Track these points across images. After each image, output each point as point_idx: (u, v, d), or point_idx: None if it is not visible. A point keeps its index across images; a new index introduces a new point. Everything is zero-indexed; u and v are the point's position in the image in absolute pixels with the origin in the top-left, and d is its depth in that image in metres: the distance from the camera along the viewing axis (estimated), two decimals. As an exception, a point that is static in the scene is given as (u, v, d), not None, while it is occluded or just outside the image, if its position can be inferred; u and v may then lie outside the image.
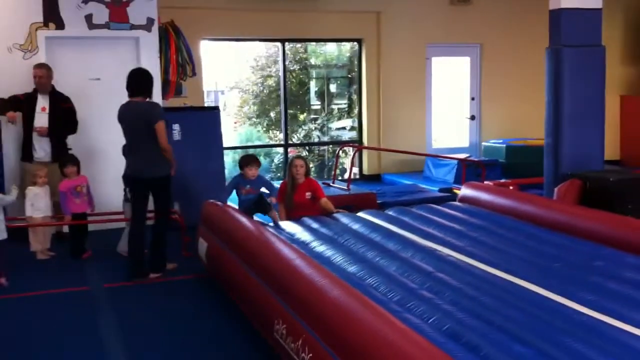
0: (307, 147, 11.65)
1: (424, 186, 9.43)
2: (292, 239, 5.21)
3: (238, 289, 4.55)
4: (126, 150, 5.89)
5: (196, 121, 7.57)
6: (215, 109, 8.13)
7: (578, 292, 3.83)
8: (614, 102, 12.04)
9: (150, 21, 7.54)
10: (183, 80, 7.83)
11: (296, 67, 11.45)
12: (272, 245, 4.24)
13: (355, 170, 11.10)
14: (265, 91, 11.66)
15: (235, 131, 11.60)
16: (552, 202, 6.15)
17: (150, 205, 5.80)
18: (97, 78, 7.51)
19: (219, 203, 5.85)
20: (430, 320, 3.44)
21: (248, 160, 6.09)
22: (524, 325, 3.34)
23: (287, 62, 10.87)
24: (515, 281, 4.09)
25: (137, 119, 5.56)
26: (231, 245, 4.85)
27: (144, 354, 4.16)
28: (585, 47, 6.99)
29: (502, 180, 8.49)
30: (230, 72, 11.59)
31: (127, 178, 5.92)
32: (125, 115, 5.66)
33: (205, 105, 9.86)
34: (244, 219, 5.13)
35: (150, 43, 7.56)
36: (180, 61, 7.63)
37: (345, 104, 11.64)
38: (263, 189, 6.25)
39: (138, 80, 5.68)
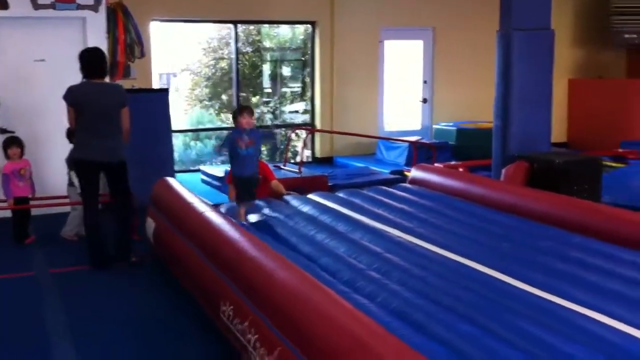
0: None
1: (375, 168, 9.47)
2: (241, 222, 5.16)
3: (185, 270, 4.50)
4: (81, 134, 5.65)
5: (144, 104, 7.41)
6: (164, 91, 8.00)
7: (525, 271, 3.89)
8: (562, 85, 12.27)
9: (97, 1, 7.35)
10: (131, 61, 7.66)
11: (249, 49, 11.33)
12: (219, 226, 4.19)
13: (308, 153, 11.08)
14: (217, 74, 11.52)
15: (187, 114, 11.44)
16: (499, 184, 6.24)
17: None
18: (42, 59, 7.30)
19: (170, 179, 5.77)
20: (377, 300, 3.45)
21: (241, 109, 5.44)
22: (470, 305, 3.38)
23: (239, 45, 10.75)
24: (462, 261, 4.14)
25: (103, 100, 5.32)
26: (178, 225, 4.79)
27: (91, 343, 4.07)
28: (534, 31, 7.07)
29: (452, 163, 8.59)
30: (182, 54, 11.41)
31: (81, 162, 5.48)
32: (88, 97, 5.36)
33: (157, 87, 9.69)
34: (191, 198, 5.07)
35: (97, 23, 7.37)
36: (128, 42, 7.46)
37: (298, 87, 11.58)
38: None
39: (98, 60, 5.46)
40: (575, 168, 6.24)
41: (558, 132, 11.85)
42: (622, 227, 4.59)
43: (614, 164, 8.86)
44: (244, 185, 5.31)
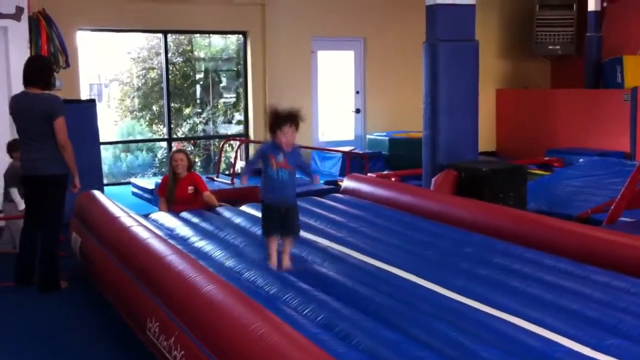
0: (193, 142, 11.45)
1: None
2: (171, 235, 5.09)
3: (111, 286, 4.39)
4: (17, 147, 5.44)
5: (70, 115, 7.19)
6: (91, 102, 7.82)
7: (448, 278, 3.96)
8: (490, 95, 12.61)
9: (19, 10, 7.14)
10: (56, 72, 7.47)
11: (179, 59, 11.22)
12: (144, 241, 4.12)
13: (242, 164, 11.02)
14: (147, 84, 11.36)
15: (116, 125, 11.23)
16: (428, 192, 6.35)
17: None
18: (-39, 69, 7.05)
19: (94, 192, 5.61)
20: (305, 312, 3.45)
21: (285, 118, 4.16)
22: (394, 312, 3.42)
23: (169, 55, 10.63)
24: (389, 269, 4.18)
25: (34, 112, 5.06)
26: (102, 240, 4.68)
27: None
28: (459, 42, 7.23)
29: (385, 172, 8.69)
30: (111, 64, 11.21)
31: (19, 177, 5.34)
32: (20, 108, 5.15)
33: (85, 98, 9.47)
34: (115, 211, 4.95)
35: (19, 33, 7.16)
36: (52, 51, 7.28)
37: (232, 97, 11.53)
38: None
39: (34, 69, 5.19)
40: (500, 176, 6.40)
41: (487, 141, 12.15)
42: (545, 233, 4.72)
43: (539, 172, 9.14)
44: (269, 213, 4.28)
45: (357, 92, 11.94)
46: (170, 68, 10.70)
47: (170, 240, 4.40)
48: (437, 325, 3.23)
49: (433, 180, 6.89)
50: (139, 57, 11.25)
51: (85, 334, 4.33)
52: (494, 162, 7.54)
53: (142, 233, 4.31)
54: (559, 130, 11.61)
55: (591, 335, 3.09)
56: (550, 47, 12.61)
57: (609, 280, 3.87)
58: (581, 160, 8.75)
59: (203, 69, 11.42)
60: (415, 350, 2.95)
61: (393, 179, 8.22)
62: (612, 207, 5.76)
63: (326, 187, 8.80)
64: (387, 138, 10.81)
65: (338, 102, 11.94)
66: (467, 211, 5.34)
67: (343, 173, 9.30)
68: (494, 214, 5.21)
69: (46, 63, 5.47)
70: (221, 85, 11.62)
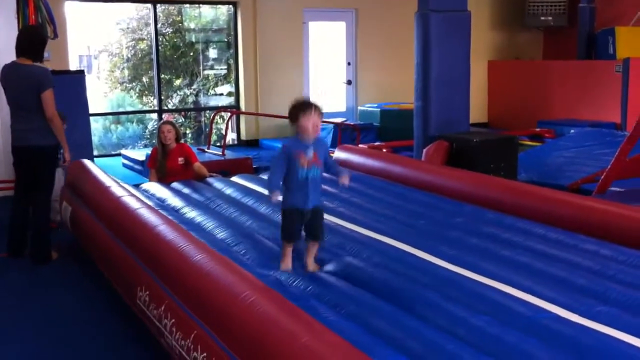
0: (183, 113, 11.39)
1: (301, 150, 9.46)
2: (161, 205, 5.07)
3: (102, 255, 4.39)
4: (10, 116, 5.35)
5: (59, 86, 7.14)
6: (80, 73, 7.74)
7: (440, 247, 3.97)
8: (482, 67, 12.56)
9: (6, -21, 7.03)
10: (44, 42, 7.37)
11: (169, 30, 11.10)
12: (135, 211, 4.10)
13: (234, 136, 10.99)
14: (137, 55, 11.25)
15: (106, 97, 11.14)
16: (420, 163, 6.35)
17: None
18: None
19: (85, 162, 5.58)
20: (295, 282, 3.46)
21: (306, 105, 3.61)
22: (384, 281, 3.43)
23: (159, 25, 10.51)
24: (380, 238, 4.19)
25: (22, 84, 5.01)
26: (93, 210, 4.66)
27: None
28: (451, 12, 7.18)
29: (376, 143, 8.68)
30: (100, 35, 11.08)
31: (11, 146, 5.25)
32: (9, 79, 5.11)
33: (75, 69, 9.37)
34: (106, 180, 4.93)
35: (6, 3, 7.04)
36: (39, 22, 7.17)
37: (222, 69, 11.44)
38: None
39: (26, 40, 5.12)
40: (492, 147, 6.41)
41: (479, 112, 12.14)
42: (536, 203, 4.74)
43: (530, 143, 9.16)
44: (292, 219, 3.66)
45: (349, 64, 11.88)
46: (160, 39, 10.59)
47: (161, 211, 4.39)
48: (428, 293, 3.25)
49: (424, 151, 6.88)
50: (128, 28, 11.13)
51: (76, 306, 4.35)
52: (485, 133, 7.53)
53: (133, 203, 4.30)
54: (550, 102, 11.60)
55: (579, 303, 3.11)
56: (543, 18, 12.55)
57: (598, 248, 3.90)
58: (572, 131, 8.77)
59: (193, 40, 11.31)
60: (406, 319, 2.97)
61: (384, 150, 8.21)
62: (602, 177, 5.79)
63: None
64: (379, 109, 10.78)
65: (330, 73, 11.87)
66: (458, 182, 5.34)
67: (334, 144, 9.26)
68: (484, 185, 5.22)
69: (41, 34, 5.41)
70: (212, 56, 11.52)
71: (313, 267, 3.73)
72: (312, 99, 3.74)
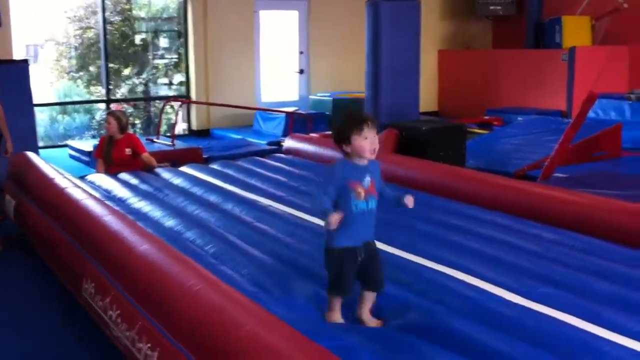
0: (132, 103, 11.20)
1: (252, 140, 9.42)
2: (108, 196, 4.99)
3: (47, 247, 4.29)
4: None
5: (2, 76, 6.97)
6: (24, 63, 7.53)
7: (390, 234, 3.98)
8: (433, 56, 12.67)
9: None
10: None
11: (117, 18, 10.88)
12: (79, 202, 4.02)
13: (184, 126, 10.86)
14: (85, 44, 11.01)
15: (52, 86, 10.87)
16: (370, 151, 6.36)
17: None
18: None
19: (28, 154, 5.44)
20: (244, 271, 3.44)
21: (358, 121, 2.90)
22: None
23: (107, 14, 10.29)
24: (330, 227, 4.19)
25: None
26: (37, 202, 4.55)
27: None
28: (401, 2, 7.23)
29: (328, 132, 8.67)
30: (47, 24, 10.80)
31: None
32: None
33: (20, 58, 9.12)
34: (50, 172, 4.82)
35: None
36: (-20, 9, 6.95)
37: (173, 58, 11.28)
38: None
39: None
40: (440, 135, 6.48)
41: (429, 101, 12.26)
42: (483, 189, 4.81)
43: (479, 131, 9.28)
44: (346, 263, 2.93)
45: (301, 53, 11.84)
46: (108, 28, 10.38)
47: (107, 202, 4.31)
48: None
49: (375, 139, 6.92)
50: (75, 16, 10.87)
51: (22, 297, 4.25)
52: (435, 122, 7.61)
53: (77, 194, 4.21)
54: (499, 90, 11.78)
55: (524, 285, 3.17)
56: (492, 7, 12.72)
57: (543, 233, 3.98)
58: (520, 119, 8.92)
59: (143, 28, 11.11)
60: (354, 306, 2.98)
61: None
62: (547, 164, 5.90)
63: (269, 147, 8.76)
64: (331, 98, 10.78)
65: (282, 62, 11.82)
66: (408, 169, 5.39)
67: (286, 134, 9.24)
68: (434, 172, 5.27)
69: None
70: (162, 45, 11.35)
71: (370, 320, 2.98)
72: (364, 112, 3.13)
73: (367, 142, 2.87)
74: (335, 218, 2.80)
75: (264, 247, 3.81)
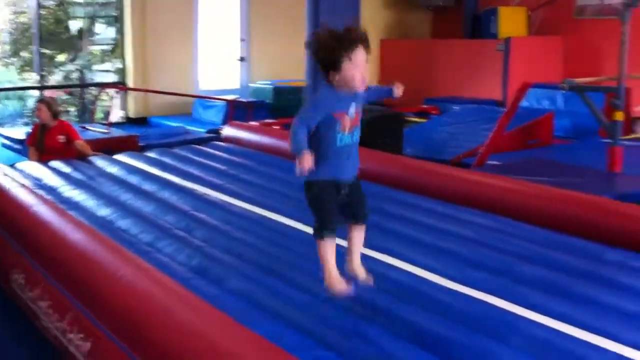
0: (67, 90, 10.91)
1: (191, 128, 9.31)
2: (39, 184, 4.85)
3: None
4: None
5: None
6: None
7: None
8: (374, 45, 12.69)
9: None
10: None
11: (52, 3, 10.56)
12: (7, 191, 3.90)
13: (122, 113, 10.65)
14: (18, 29, 10.66)
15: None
16: (309, 139, 6.37)
17: None
18: None
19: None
20: (179, 258, 3.41)
21: (355, 39, 2.65)
22: (272, 256, 3.44)
23: (40, -3, 10.00)
24: (268, 215, 4.19)
25: None
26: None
27: None
28: (341, -11, 7.22)
29: (267, 120, 8.65)
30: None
31: None
32: None
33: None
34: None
35: None
36: None
37: (109, 44, 11.03)
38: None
39: None
40: (378, 123, 6.53)
41: (371, 90, 12.33)
42: (420, 177, 4.87)
43: (416, 119, 9.41)
44: (326, 197, 2.77)
45: (242, 40, 11.75)
46: (42, 12, 10.07)
47: (37, 191, 4.20)
48: (314, 267, 3.27)
49: (313, 127, 6.93)
50: (8, 0, 10.51)
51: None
52: (373, 110, 7.65)
53: (6, 183, 4.08)
54: (438, 80, 11.95)
55: (458, 270, 3.23)
56: (432, -3, 12.88)
57: (477, 218, 4.06)
58: (456, 107, 9.08)
59: (78, 14, 10.82)
60: (289, 292, 2.99)
61: (277, 127, 8.20)
62: (481, 151, 6.03)
63: (208, 135, 8.67)
64: (272, 87, 10.74)
65: (222, 50, 11.70)
66: (346, 157, 5.41)
67: (226, 122, 9.16)
68: (371, 159, 5.30)
69: None
70: (98, 31, 11.08)
71: (362, 271, 2.85)
72: (353, 30, 2.67)
73: (359, 70, 2.58)
74: (306, 164, 2.57)
75: (200, 235, 3.78)
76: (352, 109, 2.69)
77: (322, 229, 2.73)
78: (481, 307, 2.84)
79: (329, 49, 2.60)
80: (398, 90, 2.87)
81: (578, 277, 3.15)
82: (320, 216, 2.76)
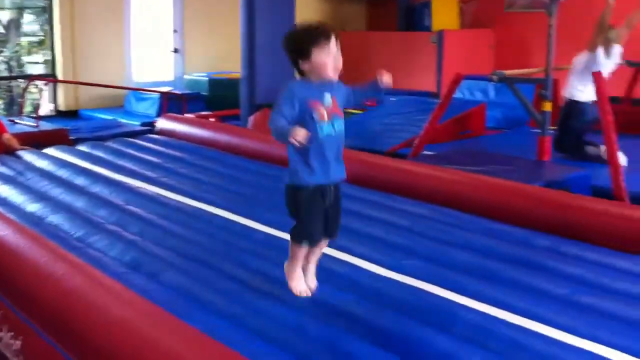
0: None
1: (124, 121, 9.12)
2: (-37, 181, 4.67)
3: None
4: None
5: None
6: None
7: (263, 213, 3.99)
8: (309, 37, 12.74)
9: None
10: None
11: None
12: None
13: (51, 106, 10.33)
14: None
15: None
16: (246, 131, 6.35)
17: None
18: None
19: None
20: (112, 253, 3.33)
21: (319, 33, 2.59)
22: (208, 250, 3.40)
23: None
24: (203, 207, 4.15)
25: None
26: None
27: None
28: (274, -20, 7.20)
29: (203, 113, 8.56)
30: None
31: None
32: None
33: None
34: None
35: None
36: None
37: (38, 35, 10.68)
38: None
39: None
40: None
41: (306, 81, 12.34)
42: (357, 167, 4.87)
43: (352, 110, 9.45)
44: (313, 203, 2.65)
45: (175, 31, 11.56)
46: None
47: (-39, 186, 4.04)
48: (249, 259, 3.27)
49: (251, 119, 6.90)
50: None
51: None
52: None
53: None
54: (373, 71, 11.92)
55: (392, 258, 3.28)
56: (365, -11, 12.97)
57: (411, 207, 4.12)
58: (392, 99, 9.16)
59: (5, 4, 10.43)
60: (226, 284, 2.97)
61: (212, 120, 8.12)
62: (416, 142, 6.12)
63: (142, 128, 8.50)
64: (207, 78, 10.62)
65: (156, 41, 11.48)
66: (283, 148, 5.38)
67: (160, 114, 9.00)
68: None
69: None
70: (26, 22, 10.71)
71: (314, 281, 2.82)
72: (323, 22, 2.64)
73: (331, 58, 2.55)
74: (302, 131, 2.43)
75: (134, 229, 3.71)
76: (328, 99, 2.61)
77: (302, 239, 2.68)
78: (418, 295, 2.88)
79: (298, 39, 2.59)
80: (385, 77, 2.79)
81: (510, 263, 3.24)
82: (303, 227, 2.67)
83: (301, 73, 2.60)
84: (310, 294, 2.77)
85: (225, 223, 3.89)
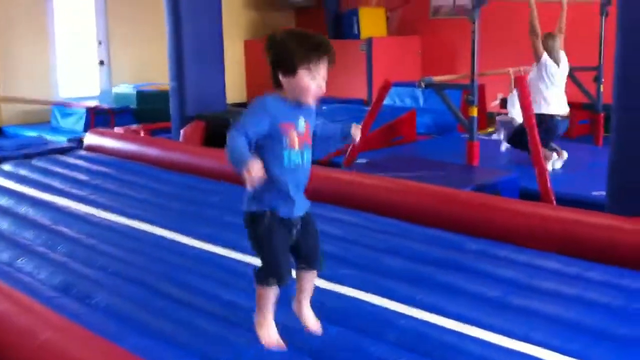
0: None
1: (50, 137, 8.84)
2: None
3: None
4: None
5: None
6: None
7: (194, 227, 3.95)
8: (239, 46, 12.70)
9: None
10: None
11: None
12: None
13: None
14: None
15: None
16: (176, 144, 6.27)
17: None
18: None
19: None
20: (41, 276, 3.23)
21: (318, 45, 2.30)
22: (139, 267, 3.34)
23: None
24: (133, 225, 4.07)
25: None
26: None
27: None
28: (200, -12, 7.12)
29: (132, 127, 8.40)
30: None
31: None
32: None
33: None
34: None
35: None
36: None
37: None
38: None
39: None
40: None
41: (237, 92, 12.28)
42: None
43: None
44: (277, 236, 2.34)
45: (100, 43, 11.30)
46: None
47: None
48: (184, 275, 3.22)
49: (182, 131, 6.81)
50: None
51: None
52: (241, 113, 7.63)
53: None
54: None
55: (329, 269, 3.26)
56: (293, -2, 13.00)
57: (344, 216, 4.14)
58: (324, 107, 9.21)
59: None
60: (159, 303, 2.91)
61: (142, 133, 7.98)
62: (349, 150, 6.17)
63: (69, 145, 8.27)
64: (135, 91, 10.41)
65: (80, 53, 11.19)
66: (215, 161, 5.35)
67: (88, 130, 8.79)
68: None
69: None
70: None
71: (314, 321, 2.50)
72: (319, 36, 2.29)
73: (316, 83, 2.24)
74: (258, 169, 2.10)
75: (63, 250, 3.61)
76: (302, 124, 2.29)
77: (268, 276, 2.32)
78: (352, 304, 2.90)
79: (285, 49, 2.22)
80: (356, 132, 2.52)
81: (442, 267, 3.30)
82: (267, 261, 2.33)
83: (276, 84, 2.28)
84: (284, 347, 2.41)
85: (157, 240, 3.83)
